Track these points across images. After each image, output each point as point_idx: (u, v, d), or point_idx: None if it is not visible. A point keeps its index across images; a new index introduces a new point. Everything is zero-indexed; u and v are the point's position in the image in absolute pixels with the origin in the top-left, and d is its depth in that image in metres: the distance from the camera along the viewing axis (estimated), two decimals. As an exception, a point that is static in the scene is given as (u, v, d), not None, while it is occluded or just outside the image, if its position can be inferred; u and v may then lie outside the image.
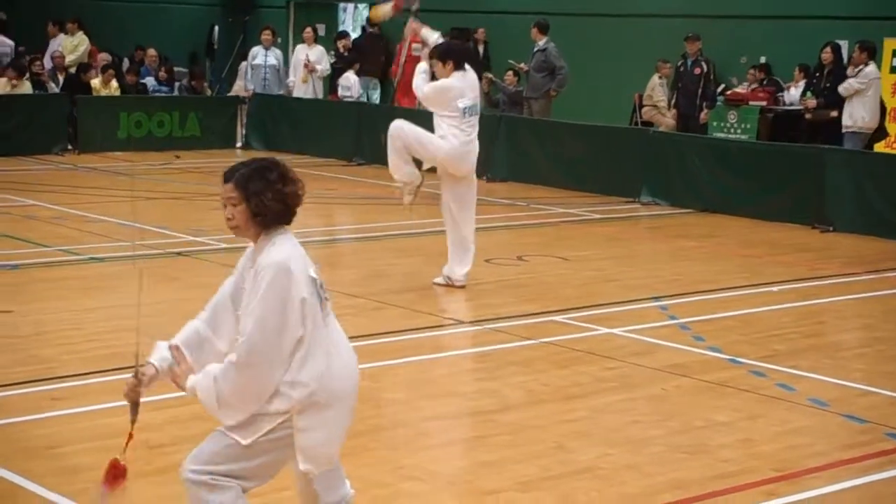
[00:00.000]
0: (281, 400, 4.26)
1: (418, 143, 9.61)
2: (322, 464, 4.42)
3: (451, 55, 9.56)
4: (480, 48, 19.87)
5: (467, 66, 9.61)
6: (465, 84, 9.53)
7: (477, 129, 9.68)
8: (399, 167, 9.80)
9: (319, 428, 4.27)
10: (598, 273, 10.67)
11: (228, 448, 4.30)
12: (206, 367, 4.29)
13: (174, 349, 4.41)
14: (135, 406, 4.42)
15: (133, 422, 4.40)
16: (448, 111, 9.50)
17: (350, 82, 20.01)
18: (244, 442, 4.28)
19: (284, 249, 4.22)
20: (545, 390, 7.08)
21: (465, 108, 9.51)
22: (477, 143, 9.71)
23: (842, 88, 15.02)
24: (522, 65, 17.77)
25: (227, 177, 4.31)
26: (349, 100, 19.71)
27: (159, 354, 4.42)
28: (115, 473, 4.38)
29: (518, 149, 16.48)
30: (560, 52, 17.20)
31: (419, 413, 6.63)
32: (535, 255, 11.36)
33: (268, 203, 4.22)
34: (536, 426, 6.41)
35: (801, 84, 17.11)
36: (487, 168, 16.53)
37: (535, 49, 17.18)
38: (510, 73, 18.40)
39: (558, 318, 8.85)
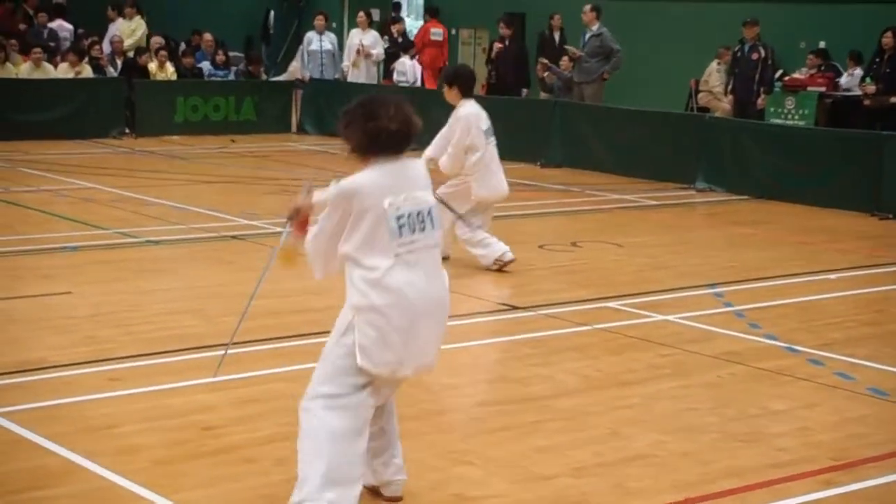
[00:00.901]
0: (349, 304, 4.64)
1: (459, 204, 9.73)
2: (377, 363, 4.62)
3: (456, 80, 9.73)
4: (556, 35, 19.64)
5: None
6: (475, 108, 9.69)
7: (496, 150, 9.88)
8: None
9: (374, 329, 4.57)
10: (652, 259, 10.61)
11: (328, 365, 4.68)
12: None
13: None
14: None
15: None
16: (476, 144, 9.58)
17: (406, 67, 20.01)
18: (337, 349, 4.66)
19: (362, 176, 4.62)
20: (599, 376, 7.05)
21: (487, 128, 9.70)
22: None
23: None
24: (576, 50, 17.59)
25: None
26: (404, 85, 19.71)
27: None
28: (302, 223, 4.85)
29: (572, 134, 16.41)
30: (614, 37, 17.10)
31: (473, 398, 6.63)
32: (589, 241, 11.31)
33: (352, 137, 4.66)
34: (590, 412, 6.38)
35: (856, 71, 16.90)
36: (542, 153, 16.50)
37: (590, 34, 17.07)
38: (565, 58, 18.25)
39: (612, 304, 8.80)
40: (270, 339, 7.40)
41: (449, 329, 7.97)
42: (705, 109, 17.90)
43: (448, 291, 4.85)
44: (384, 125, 4.59)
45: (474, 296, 8.93)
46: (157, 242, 10.54)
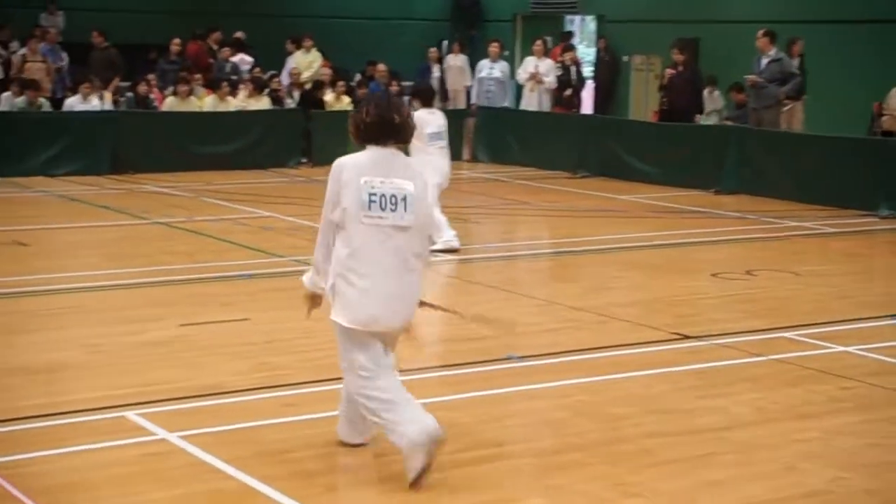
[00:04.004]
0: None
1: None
2: (350, 319, 5.55)
3: (417, 95, 11.97)
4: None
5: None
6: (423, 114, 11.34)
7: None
8: None
9: (346, 286, 5.49)
10: (832, 289, 10.28)
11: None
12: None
13: None
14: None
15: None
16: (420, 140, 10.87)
17: None
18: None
19: (352, 156, 5.54)
20: (775, 409, 6.85)
21: (431, 132, 11.36)
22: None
23: None
24: (756, 77, 16.92)
25: None
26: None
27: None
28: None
29: (748, 160, 16.07)
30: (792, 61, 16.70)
31: (642, 429, 6.53)
32: (764, 270, 11.04)
33: (350, 125, 5.63)
34: (766, 445, 6.21)
35: None
36: (716, 180, 16.21)
37: (769, 59, 16.63)
38: (735, 89, 17.61)
39: (788, 334, 8.56)
40: (436, 367, 7.44)
41: (619, 358, 7.97)
42: (889, 133, 17.28)
43: (415, 262, 5.51)
44: (361, 118, 5.57)
45: (645, 324, 8.81)
46: (331, 270, 10.72)
